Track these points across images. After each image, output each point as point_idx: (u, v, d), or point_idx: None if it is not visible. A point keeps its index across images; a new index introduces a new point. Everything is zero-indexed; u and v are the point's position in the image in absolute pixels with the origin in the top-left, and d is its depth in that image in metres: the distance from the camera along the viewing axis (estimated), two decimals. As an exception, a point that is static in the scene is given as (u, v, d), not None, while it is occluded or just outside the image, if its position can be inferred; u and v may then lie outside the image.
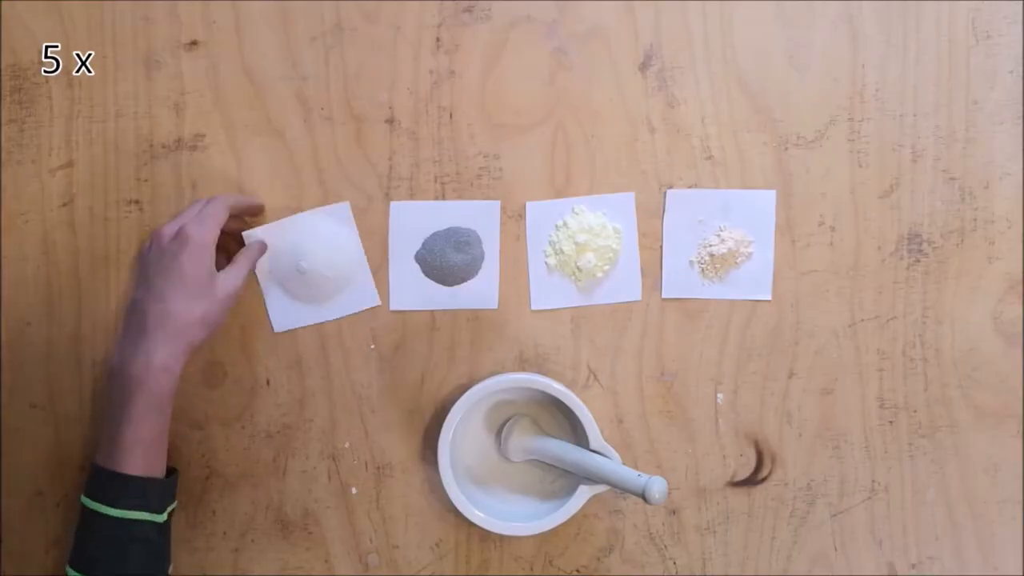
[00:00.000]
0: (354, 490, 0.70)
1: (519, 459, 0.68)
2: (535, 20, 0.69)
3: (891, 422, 0.70)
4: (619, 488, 0.61)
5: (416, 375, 0.70)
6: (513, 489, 0.70)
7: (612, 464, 0.63)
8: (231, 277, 0.64)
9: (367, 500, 0.70)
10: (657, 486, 0.58)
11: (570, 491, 0.66)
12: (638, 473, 0.60)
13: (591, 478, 0.64)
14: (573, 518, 0.65)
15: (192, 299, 0.62)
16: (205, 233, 0.63)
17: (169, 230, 0.63)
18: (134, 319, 0.63)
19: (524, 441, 0.68)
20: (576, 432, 0.67)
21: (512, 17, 0.69)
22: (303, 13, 0.68)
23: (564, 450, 0.66)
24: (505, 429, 0.68)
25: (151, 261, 0.64)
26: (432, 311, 0.69)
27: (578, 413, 0.65)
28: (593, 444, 0.65)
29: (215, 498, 0.70)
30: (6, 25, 0.68)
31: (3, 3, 0.68)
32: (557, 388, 0.65)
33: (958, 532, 0.70)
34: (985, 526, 0.70)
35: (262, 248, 0.68)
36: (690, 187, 0.69)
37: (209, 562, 0.70)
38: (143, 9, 0.68)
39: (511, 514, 0.67)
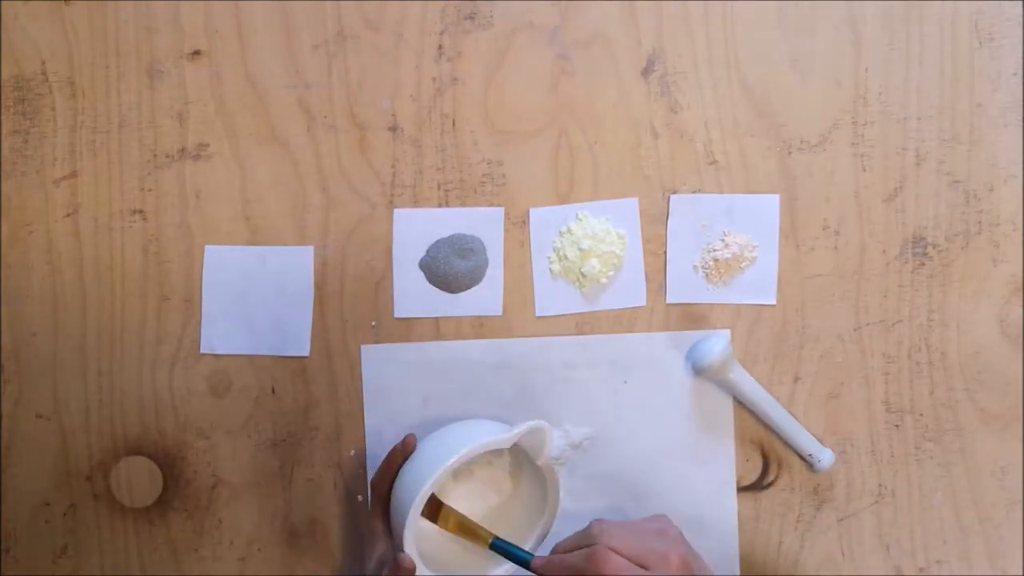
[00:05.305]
0: (360, 498, 0.70)
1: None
2: (537, 26, 0.69)
3: (897, 426, 0.70)
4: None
5: (421, 382, 0.70)
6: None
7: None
8: None
9: (373, 508, 0.70)
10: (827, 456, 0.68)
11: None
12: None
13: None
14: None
15: None
16: None
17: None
18: None
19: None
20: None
21: (514, 23, 0.69)
22: (305, 21, 0.68)
23: None
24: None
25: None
26: (436, 318, 0.69)
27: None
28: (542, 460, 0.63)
29: (221, 507, 0.70)
30: (9, 36, 0.68)
31: (4, 13, 0.68)
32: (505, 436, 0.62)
33: (966, 535, 0.70)
34: (992, 529, 0.70)
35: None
36: (694, 192, 0.69)
37: (216, 571, 0.70)
38: (146, 19, 0.68)
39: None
